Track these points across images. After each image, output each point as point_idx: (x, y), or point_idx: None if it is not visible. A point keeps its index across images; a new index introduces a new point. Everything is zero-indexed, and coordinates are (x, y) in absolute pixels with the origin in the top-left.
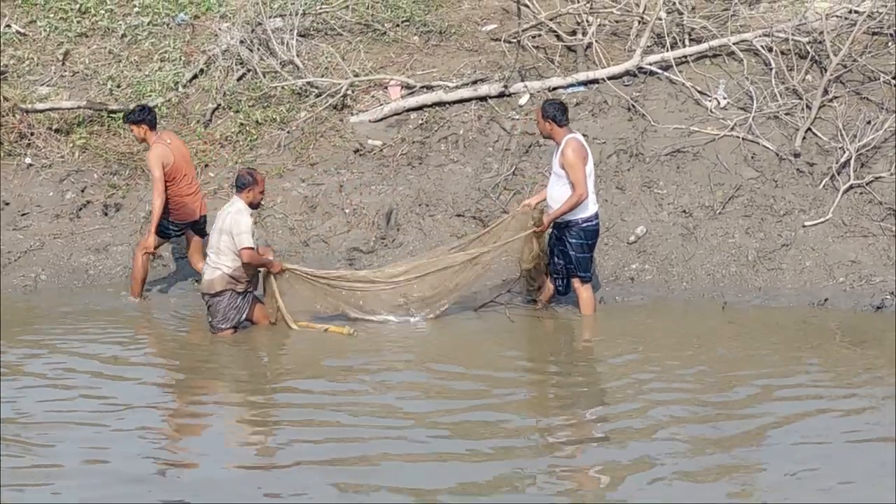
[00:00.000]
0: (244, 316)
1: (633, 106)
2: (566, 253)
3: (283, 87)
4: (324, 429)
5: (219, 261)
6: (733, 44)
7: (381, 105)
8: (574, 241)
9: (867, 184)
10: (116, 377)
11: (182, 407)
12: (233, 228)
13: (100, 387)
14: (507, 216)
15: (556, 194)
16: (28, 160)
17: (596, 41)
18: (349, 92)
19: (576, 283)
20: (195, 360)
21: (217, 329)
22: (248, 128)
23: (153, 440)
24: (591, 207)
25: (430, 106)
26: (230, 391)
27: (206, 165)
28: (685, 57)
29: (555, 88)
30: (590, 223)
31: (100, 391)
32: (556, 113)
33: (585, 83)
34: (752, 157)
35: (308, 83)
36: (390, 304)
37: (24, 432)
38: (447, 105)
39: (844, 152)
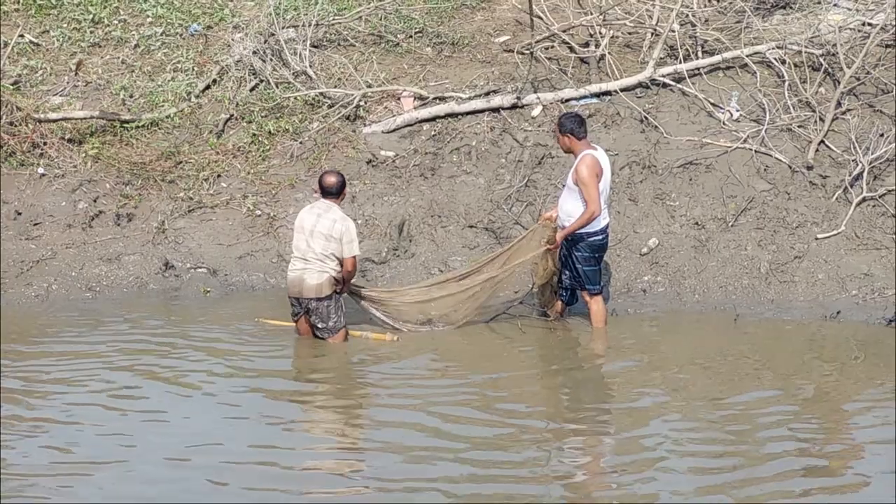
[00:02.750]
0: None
1: (646, 118)
2: (574, 266)
3: (295, 98)
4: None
5: (325, 266)
6: (746, 56)
7: (394, 116)
8: (580, 254)
9: (880, 196)
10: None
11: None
12: (343, 236)
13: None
14: (526, 231)
15: (569, 208)
16: (41, 170)
17: (609, 53)
18: (362, 103)
19: (585, 295)
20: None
21: (336, 330)
22: (260, 138)
23: None
24: (601, 222)
25: (443, 117)
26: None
27: (219, 176)
28: (698, 69)
29: (567, 100)
30: (597, 237)
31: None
32: (573, 126)
33: (598, 95)
34: (765, 170)
35: (321, 94)
36: (413, 319)
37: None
38: (460, 116)
39: (857, 165)
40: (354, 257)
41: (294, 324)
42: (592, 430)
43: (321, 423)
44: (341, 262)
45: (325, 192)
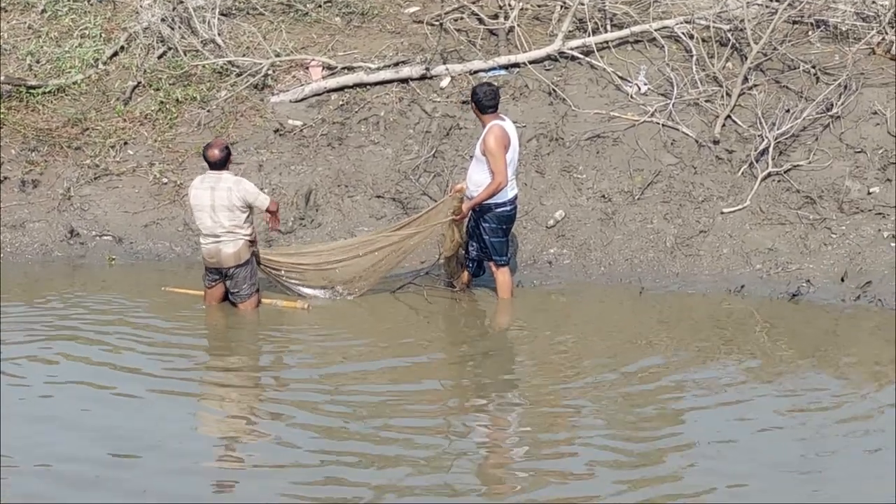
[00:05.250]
0: None
1: (554, 90)
2: (481, 237)
3: (203, 66)
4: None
5: (237, 235)
6: (655, 30)
7: (302, 85)
8: (488, 225)
9: (785, 172)
10: None
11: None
12: (246, 198)
13: None
14: (437, 202)
15: (477, 178)
16: None
17: (518, 25)
18: (270, 72)
19: (492, 266)
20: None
21: (248, 296)
22: (168, 106)
23: None
24: (508, 193)
25: (352, 87)
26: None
27: (126, 143)
28: (607, 42)
29: (476, 72)
30: (504, 208)
31: None
32: (481, 98)
33: (507, 67)
34: (672, 144)
35: (229, 62)
36: (316, 285)
37: None
38: (368, 87)
39: (763, 140)
40: (269, 202)
41: (203, 291)
42: (496, 402)
43: (227, 398)
44: (252, 225)
45: (211, 165)
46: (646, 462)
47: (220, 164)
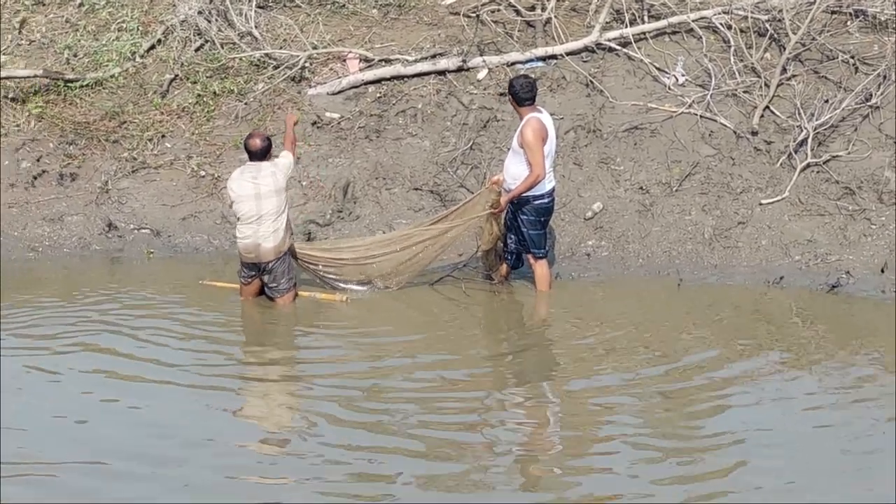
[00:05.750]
0: None
1: (592, 82)
2: (519, 229)
3: (240, 59)
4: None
5: (278, 223)
6: (692, 21)
7: (340, 78)
8: (526, 217)
9: (824, 162)
10: None
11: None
12: (287, 168)
13: None
14: (474, 195)
15: (514, 171)
16: None
17: (555, 16)
18: (307, 64)
19: (530, 259)
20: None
21: (287, 290)
22: (205, 99)
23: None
24: (546, 185)
25: (389, 79)
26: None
27: (163, 136)
28: (644, 33)
29: (513, 63)
30: (542, 201)
31: None
32: (518, 90)
33: (544, 59)
34: (710, 135)
35: (266, 55)
36: (353, 280)
37: None
38: (405, 79)
39: (802, 131)
40: (291, 151)
41: (240, 286)
42: (534, 396)
43: (266, 393)
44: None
45: (251, 156)
46: (686, 459)
47: (261, 155)
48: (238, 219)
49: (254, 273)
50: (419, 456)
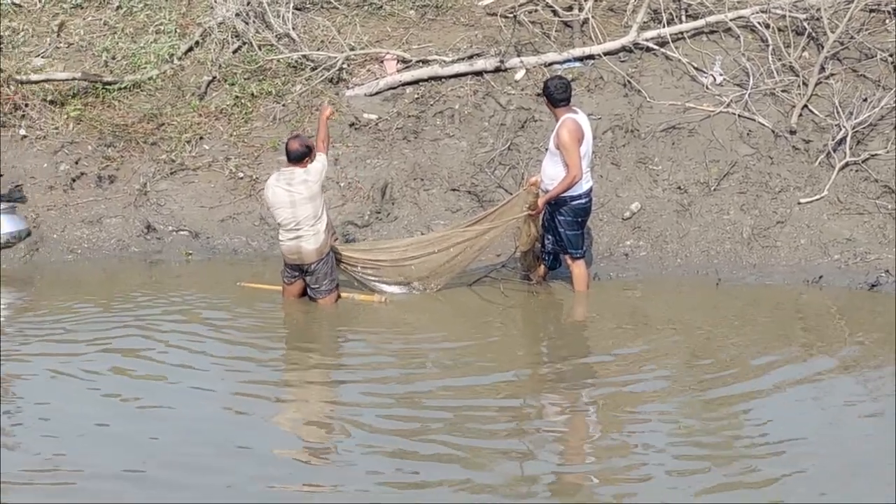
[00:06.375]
0: None
1: (629, 82)
2: (556, 230)
3: (278, 61)
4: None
5: (318, 226)
6: (730, 20)
7: (377, 79)
8: (564, 218)
9: (863, 161)
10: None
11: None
12: (319, 174)
13: None
14: (512, 196)
15: (551, 172)
16: (22, 131)
17: (592, 16)
18: (345, 65)
19: (567, 259)
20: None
21: (329, 291)
22: (243, 101)
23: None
24: (584, 186)
25: (426, 80)
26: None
27: (201, 138)
28: (681, 33)
29: (550, 64)
30: (580, 201)
31: None
32: (553, 91)
33: (581, 59)
34: (748, 134)
35: (304, 56)
36: (392, 281)
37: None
38: (443, 80)
39: (840, 129)
40: (322, 150)
41: (282, 287)
42: (572, 397)
43: (307, 395)
44: (327, 214)
45: (290, 158)
46: (726, 462)
47: (299, 158)
48: (278, 224)
49: (297, 274)
50: (457, 460)
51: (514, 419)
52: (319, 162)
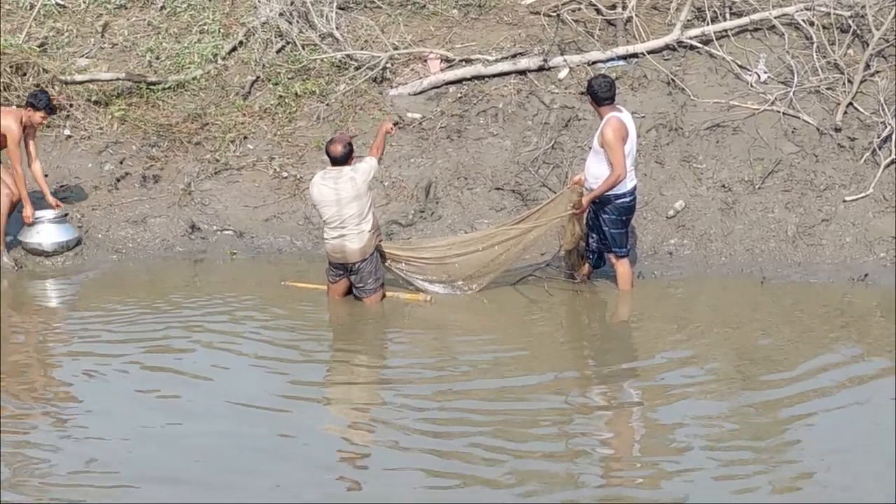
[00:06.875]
0: None
1: (673, 80)
2: (601, 228)
3: (322, 60)
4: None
5: (363, 226)
6: (774, 17)
7: (421, 78)
8: (608, 217)
9: None
10: None
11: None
12: (367, 173)
13: None
14: (556, 195)
15: (595, 170)
16: (67, 132)
17: (636, 15)
18: (388, 65)
19: (612, 258)
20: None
21: (374, 290)
22: (287, 100)
23: None
24: (628, 184)
25: (470, 79)
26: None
27: (245, 138)
28: (725, 31)
29: (594, 63)
30: (624, 199)
31: None
32: (597, 90)
33: (625, 57)
34: (793, 132)
35: (347, 56)
36: (436, 279)
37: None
38: (486, 79)
39: (886, 127)
40: (376, 158)
41: (327, 286)
42: (617, 397)
43: (352, 394)
44: (374, 214)
45: (333, 161)
46: (773, 463)
47: (342, 160)
48: (323, 221)
49: (341, 273)
50: (501, 457)
51: (557, 420)
52: (367, 163)
